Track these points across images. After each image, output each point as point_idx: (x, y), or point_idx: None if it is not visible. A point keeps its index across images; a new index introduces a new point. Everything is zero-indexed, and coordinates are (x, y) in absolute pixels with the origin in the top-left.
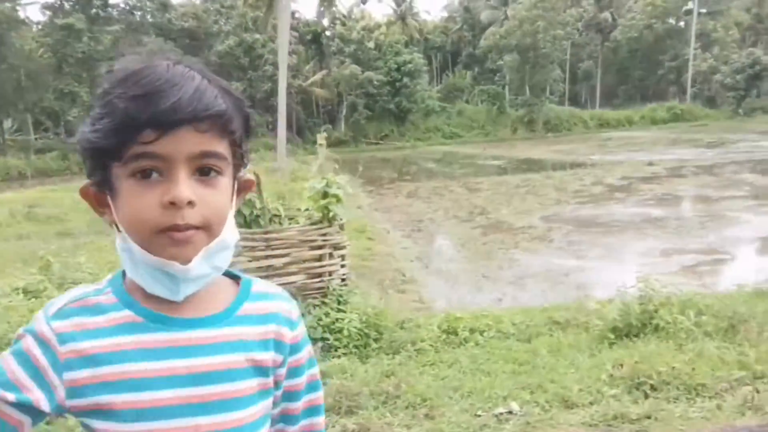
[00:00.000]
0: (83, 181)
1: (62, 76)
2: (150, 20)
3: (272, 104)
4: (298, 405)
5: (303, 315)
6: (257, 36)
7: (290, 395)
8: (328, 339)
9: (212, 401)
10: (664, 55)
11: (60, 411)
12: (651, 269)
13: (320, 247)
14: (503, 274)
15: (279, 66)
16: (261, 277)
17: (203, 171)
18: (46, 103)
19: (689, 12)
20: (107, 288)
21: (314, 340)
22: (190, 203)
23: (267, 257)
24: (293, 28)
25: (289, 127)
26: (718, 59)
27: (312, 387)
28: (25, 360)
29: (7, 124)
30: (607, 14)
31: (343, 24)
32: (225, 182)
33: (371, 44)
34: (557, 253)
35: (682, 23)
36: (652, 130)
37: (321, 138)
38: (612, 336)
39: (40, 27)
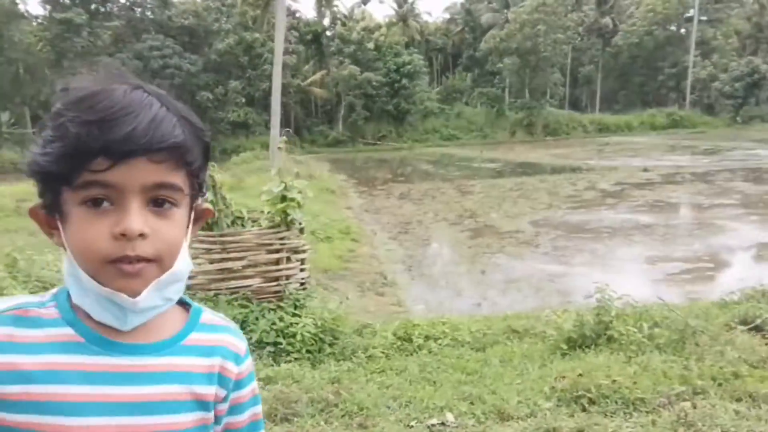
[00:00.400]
0: None
1: (61, 71)
2: (150, 17)
3: (269, 103)
4: None
5: (257, 319)
6: (257, 35)
7: None
8: (280, 343)
9: None
10: (664, 61)
11: None
12: (634, 276)
13: (278, 251)
14: (486, 279)
15: (274, 65)
16: (217, 280)
17: (157, 202)
18: (43, 97)
19: (690, 19)
20: (51, 301)
21: (267, 344)
22: (142, 235)
23: (223, 260)
24: (293, 28)
25: (287, 125)
26: (718, 67)
27: (254, 426)
28: None
29: (5, 117)
30: (608, 20)
31: (344, 24)
32: (180, 213)
33: (371, 45)
34: (542, 259)
35: (682, 30)
36: (651, 135)
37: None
38: (565, 347)
39: (39, 21)
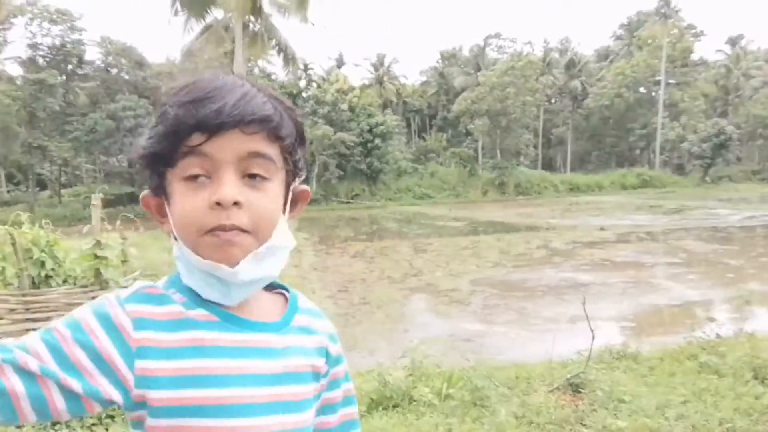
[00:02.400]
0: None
1: (32, 130)
2: (125, 77)
3: None
4: (335, 417)
5: None
6: None
7: (327, 408)
8: None
9: (288, 401)
10: (634, 122)
11: (131, 404)
12: (542, 334)
13: None
14: (405, 337)
15: None
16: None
17: (251, 176)
18: (14, 157)
19: (658, 82)
20: (171, 288)
21: None
22: (237, 204)
23: (26, 320)
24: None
25: None
26: (686, 128)
27: (348, 401)
28: (88, 344)
29: None
30: (576, 82)
31: (319, 86)
32: (274, 187)
33: (344, 106)
34: (467, 317)
35: (653, 93)
36: (621, 195)
37: (95, 198)
38: (363, 408)
39: (12, 81)
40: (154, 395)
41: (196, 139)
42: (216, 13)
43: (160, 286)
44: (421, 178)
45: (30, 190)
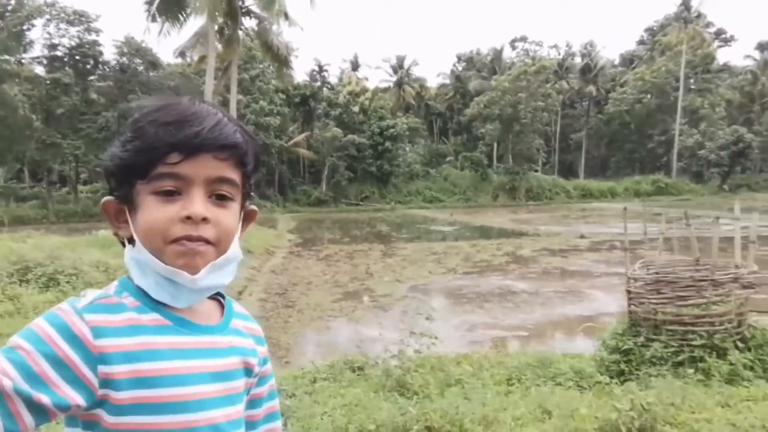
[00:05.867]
0: (56, 229)
1: (47, 129)
2: (138, 78)
3: None
4: (261, 411)
5: None
6: (240, 96)
7: (255, 402)
8: None
9: (231, 394)
10: (654, 128)
11: (93, 403)
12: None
13: None
14: (309, 341)
15: None
16: None
17: (218, 196)
18: (30, 153)
19: (678, 88)
20: (122, 292)
21: None
22: (205, 220)
23: None
24: (279, 90)
25: (271, 185)
26: (705, 135)
27: (272, 396)
28: (51, 354)
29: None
30: (591, 87)
31: (331, 89)
32: (235, 207)
33: (356, 108)
34: (376, 323)
35: (674, 98)
36: (634, 202)
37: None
38: None
39: (32, 81)
40: (116, 396)
41: (173, 158)
42: (197, 20)
43: (112, 292)
44: (433, 181)
45: (43, 186)
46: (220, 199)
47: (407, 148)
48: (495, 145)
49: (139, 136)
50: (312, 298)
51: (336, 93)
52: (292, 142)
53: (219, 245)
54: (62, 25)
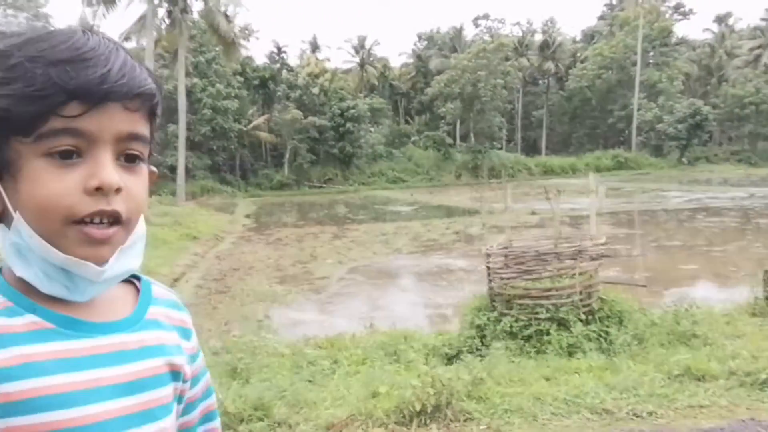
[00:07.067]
0: None
1: None
2: None
3: (211, 147)
4: (195, 414)
5: None
6: (195, 80)
7: (189, 406)
8: None
9: (149, 409)
10: (614, 104)
11: None
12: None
13: None
14: (233, 327)
15: (179, 115)
16: None
17: (127, 157)
18: None
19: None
20: None
21: None
22: (118, 190)
23: None
24: (237, 73)
25: (232, 170)
26: (664, 109)
27: (207, 393)
28: None
29: None
30: (550, 64)
31: (290, 70)
32: (145, 170)
33: (316, 90)
34: (309, 307)
35: (633, 73)
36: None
37: None
38: None
39: None
40: None
41: (72, 109)
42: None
43: None
44: (397, 162)
45: None
46: (130, 161)
47: (371, 129)
48: (457, 123)
49: (18, 77)
50: (248, 284)
51: (295, 75)
52: (251, 125)
53: (129, 222)
54: (9, 11)
